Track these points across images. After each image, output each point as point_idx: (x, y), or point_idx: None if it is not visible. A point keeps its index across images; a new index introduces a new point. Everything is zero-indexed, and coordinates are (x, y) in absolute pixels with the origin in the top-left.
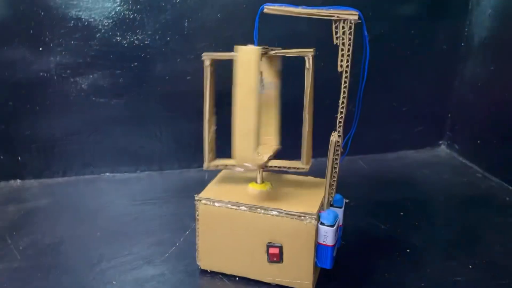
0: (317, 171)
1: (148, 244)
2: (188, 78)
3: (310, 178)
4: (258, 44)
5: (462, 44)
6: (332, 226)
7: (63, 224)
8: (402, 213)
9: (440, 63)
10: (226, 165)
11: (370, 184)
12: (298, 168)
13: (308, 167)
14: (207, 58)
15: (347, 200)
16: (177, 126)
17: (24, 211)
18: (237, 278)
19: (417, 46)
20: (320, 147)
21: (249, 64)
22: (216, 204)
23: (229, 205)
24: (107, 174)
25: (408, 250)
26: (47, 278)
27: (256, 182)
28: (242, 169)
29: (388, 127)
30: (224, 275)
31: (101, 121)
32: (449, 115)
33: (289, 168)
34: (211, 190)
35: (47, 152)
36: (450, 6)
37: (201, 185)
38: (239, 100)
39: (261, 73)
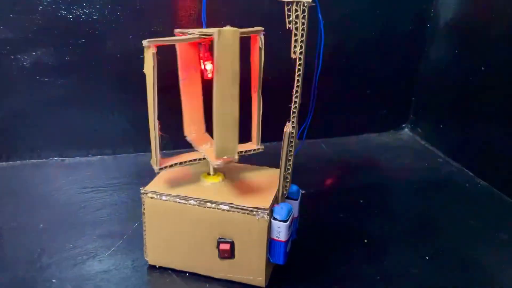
0: (274, 155)
1: (95, 236)
2: (141, 56)
3: (265, 168)
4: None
5: (428, 25)
6: (285, 221)
7: (4, 214)
8: (361, 201)
9: (405, 45)
10: (182, 163)
11: (331, 169)
12: (255, 150)
13: (262, 147)
14: (151, 44)
15: (303, 191)
16: (131, 108)
17: None
18: (187, 274)
19: (382, 27)
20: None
21: (230, 47)
22: (164, 198)
23: (177, 199)
24: (55, 158)
25: (365, 241)
26: None
27: (209, 173)
28: (219, 163)
29: (351, 110)
30: (174, 270)
31: (48, 102)
32: (413, 98)
33: (245, 152)
34: (159, 182)
35: None
36: None
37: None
38: (220, 88)
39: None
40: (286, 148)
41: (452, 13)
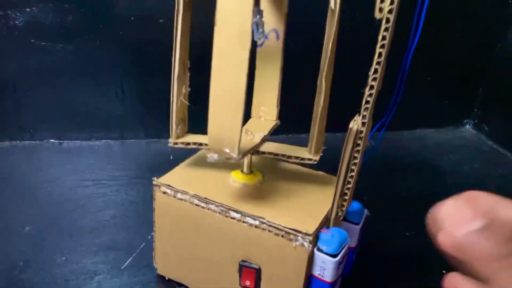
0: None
1: (95, 248)
2: (161, 21)
3: (320, 173)
4: None
5: (510, 1)
6: (334, 256)
7: None
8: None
9: (478, 26)
10: (201, 144)
11: (384, 171)
12: (302, 159)
13: (317, 158)
14: None
15: (368, 213)
16: (145, 84)
17: None
18: None
19: (453, 4)
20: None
21: None
22: (179, 195)
23: (194, 200)
24: (52, 140)
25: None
26: None
27: (242, 170)
28: (216, 157)
29: (405, 99)
30: None
31: (44, 71)
32: (481, 89)
33: (289, 157)
34: (177, 175)
35: None
36: None
37: (173, 162)
38: (219, 50)
39: (261, 12)
40: (350, 152)
41: None
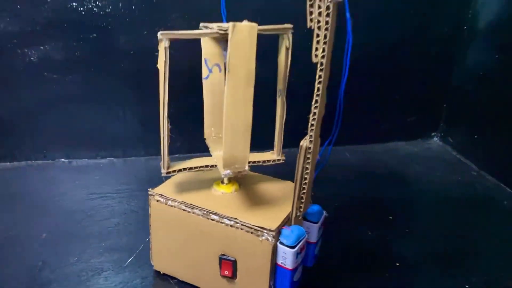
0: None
1: (102, 250)
2: (156, 54)
3: (288, 183)
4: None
5: (465, 27)
6: (292, 247)
7: (5, 221)
8: (391, 217)
9: (439, 47)
10: (191, 168)
11: (356, 180)
12: (274, 161)
13: (284, 157)
14: (166, 37)
15: (326, 214)
16: (144, 108)
17: None
18: None
19: (414, 28)
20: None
21: (246, 44)
22: (170, 203)
23: (182, 206)
24: (62, 160)
25: (397, 264)
26: None
27: (222, 181)
28: (230, 172)
29: (377, 116)
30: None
31: (55, 99)
32: (445, 105)
33: (264, 161)
34: (169, 186)
35: None
36: None
37: (169, 177)
38: (232, 89)
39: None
40: (302, 164)
41: (493, 15)
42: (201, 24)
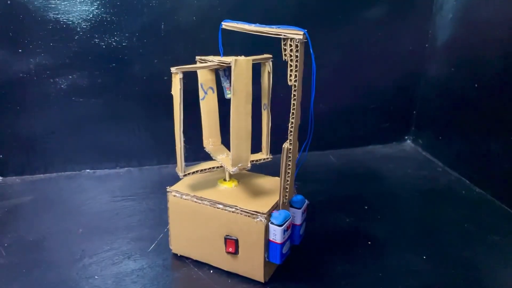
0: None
1: (129, 239)
2: (165, 78)
3: (276, 178)
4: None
5: (426, 45)
6: (280, 225)
7: (46, 220)
8: (366, 207)
9: (406, 63)
10: (203, 170)
11: (338, 178)
12: (264, 159)
13: (271, 156)
14: (180, 71)
15: (308, 202)
16: (155, 124)
17: (7, 208)
18: (211, 271)
19: (384, 48)
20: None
21: (244, 73)
22: (184, 197)
23: (194, 199)
24: (88, 170)
25: (369, 242)
26: (32, 274)
27: (224, 179)
28: (235, 170)
29: (357, 124)
30: (198, 267)
31: (81, 119)
32: (414, 112)
33: (257, 161)
34: (183, 184)
35: (28, 150)
36: (415, 10)
37: (178, 180)
38: (236, 106)
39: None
40: (285, 162)
41: (448, 35)
42: (197, 58)
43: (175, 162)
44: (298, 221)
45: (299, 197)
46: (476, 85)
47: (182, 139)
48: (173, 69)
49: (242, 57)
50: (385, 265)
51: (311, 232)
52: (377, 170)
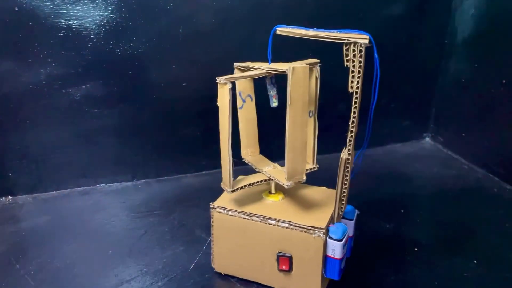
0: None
1: (165, 259)
2: (184, 84)
3: (322, 188)
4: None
5: (446, 41)
6: (340, 240)
7: (70, 243)
8: (402, 210)
9: (425, 60)
10: (250, 184)
11: (366, 181)
12: (311, 169)
13: (318, 165)
14: (228, 81)
15: (358, 212)
16: (173, 132)
17: (24, 231)
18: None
19: (404, 45)
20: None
21: (302, 81)
22: (230, 213)
23: (241, 215)
24: (103, 184)
25: (416, 249)
26: None
27: (270, 192)
28: (290, 184)
29: (377, 123)
30: (246, 286)
31: (95, 131)
32: (433, 108)
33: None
34: (225, 199)
35: (39, 166)
36: (433, 6)
37: (201, 191)
38: (292, 117)
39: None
40: (343, 173)
41: (469, 30)
42: (236, 65)
43: (194, 171)
44: (351, 233)
45: (349, 207)
46: (504, 81)
47: (231, 152)
48: (220, 79)
49: (298, 64)
50: (438, 272)
51: (356, 240)
52: (402, 170)
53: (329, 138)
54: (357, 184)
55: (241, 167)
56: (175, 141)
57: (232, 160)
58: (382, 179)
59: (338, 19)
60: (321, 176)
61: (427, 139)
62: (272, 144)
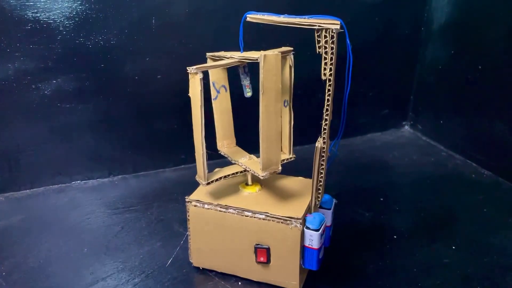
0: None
1: (142, 255)
2: (158, 77)
3: (300, 178)
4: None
5: (422, 28)
6: (317, 230)
7: (44, 242)
8: (382, 199)
9: (402, 48)
10: (225, 176)
11: (345, 170)
12: (288, 159)
13: (295, 155)
14: (199, 70)
15: (336, 201)
16: (150, 126)
17: None
18: (239, 283)
19: (380, 33)
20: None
21: (274, 69)
22: (206, 206)
23: (217, 208)
24: (78, 181)
25: (395, 237)
26: None
27: (247, 183)
28: (265, 174)
29: (356, 112)
30: (225, 280)
31: (68, 127)
32: (412, 97)
33: (282, 161)
34: (201, 192)
35: (11, 164)
36: None
37: (180, 185)
38: (265, 106)
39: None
40: (318, 162)
41: (445, 16)
42: (208, 54)
43: (172, 166)
44: (329, 222)
45: (327, 196)
46: (480, 67)
47: (204, 144)
48: (191, 69)
49: (270, 52)
50: (417, 259)
51: (334, 230)
52: (381, 159)
53: (308, 128)
54: (336, 173)
55: (219, 160)
56: (152, 135)
57: (207, 152)
58: (362, 168)
59: (314, 7)
60: (300, 167)
61: (406, 127)
62: (249, 135)
